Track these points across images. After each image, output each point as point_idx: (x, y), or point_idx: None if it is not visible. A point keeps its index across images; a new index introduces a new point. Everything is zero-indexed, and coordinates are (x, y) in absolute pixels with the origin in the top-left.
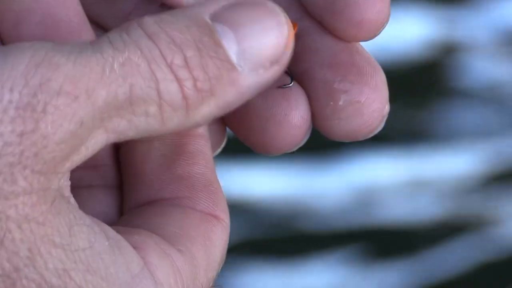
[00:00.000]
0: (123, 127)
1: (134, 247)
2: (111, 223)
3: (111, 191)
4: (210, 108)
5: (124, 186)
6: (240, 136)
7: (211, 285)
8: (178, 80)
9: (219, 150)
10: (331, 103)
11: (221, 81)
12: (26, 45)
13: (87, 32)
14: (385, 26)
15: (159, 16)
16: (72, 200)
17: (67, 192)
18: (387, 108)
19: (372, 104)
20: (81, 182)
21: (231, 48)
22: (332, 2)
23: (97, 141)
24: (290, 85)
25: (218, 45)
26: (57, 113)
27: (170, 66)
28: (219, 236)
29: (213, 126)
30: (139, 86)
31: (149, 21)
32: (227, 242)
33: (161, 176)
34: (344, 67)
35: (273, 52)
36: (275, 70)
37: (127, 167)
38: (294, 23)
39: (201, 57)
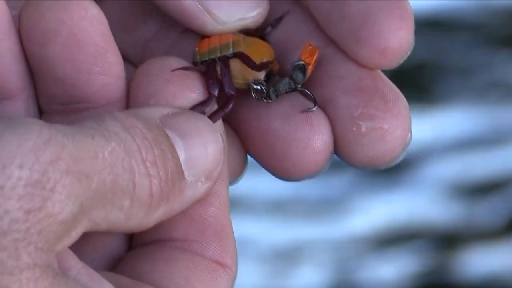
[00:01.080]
0: (101, 218)
1: None
2: (118, 256)
3: None
4: (161, 213)
5: None
6: (260, 161)
7: None
8: (149, 176)
9: (240, 178)
10: (354, 128)
11: (174, 187)
12: (29, 120)
13: (113, 55)
14: (408, 54)
15: (126, 112)
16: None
17: (59, 269)
18: (409, 136)
19: (395, 131)
20: None
21: (181, 155)
22: (356, 29)
23: (82, 228)
24: (314, 109)
25: (173, 149)
26: (64, 192)
27: (144, 162)
28: (223, 287)
29: (232, 153)
30: (122, 178)
31: (122, 115)
32: None
33: (174, 216)
34: (368, 93)
35: (210, 166)
36: (208, 186)
37: None
38: (315, 48)
39: (164, 158)
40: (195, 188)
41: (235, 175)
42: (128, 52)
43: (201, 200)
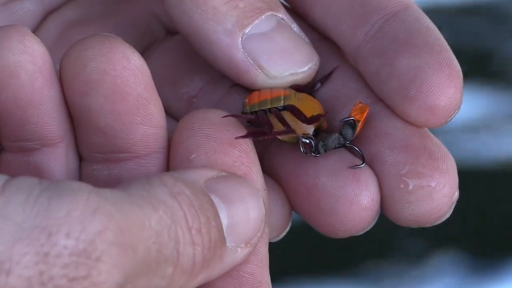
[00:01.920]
0: (143, 285)
1: None
2: None
3: None
4: (200, 279)
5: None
6: (305, 217)
7: None
8: (194, 244)
9: (283, 234)
10: (401, 186)
11: (215, 253)
12: (76, 186)
13: (155, 106)
14: (456, 113)
15: (174, 176)
16: None
17: None
18: (456, 194)
19: (442, 189)
20: None
21: (223, 221)
22: (405, 87)
23: None
24: (361, 166)
25: (217, 216)
26: (110, 263)
27: (190, 230)
28: None
29: (277, 209)
30: (167, 247)
31: (170, 180)
32: None
33: None
34: (415, 151)
35: (251, 233)
36: (248, 252)
37: None
38: (366, 106)
39: (209, 225)
40: (234, 254)
41: (279, 231)
42: (173, 107)
43: None
